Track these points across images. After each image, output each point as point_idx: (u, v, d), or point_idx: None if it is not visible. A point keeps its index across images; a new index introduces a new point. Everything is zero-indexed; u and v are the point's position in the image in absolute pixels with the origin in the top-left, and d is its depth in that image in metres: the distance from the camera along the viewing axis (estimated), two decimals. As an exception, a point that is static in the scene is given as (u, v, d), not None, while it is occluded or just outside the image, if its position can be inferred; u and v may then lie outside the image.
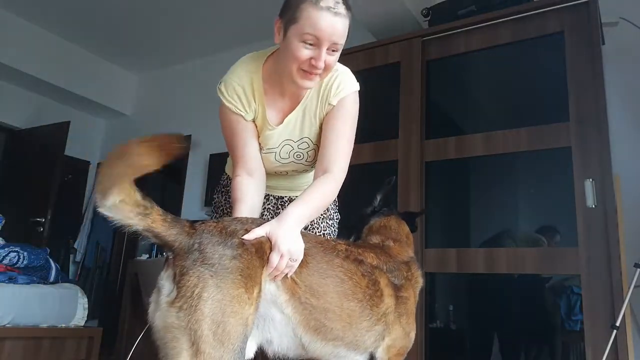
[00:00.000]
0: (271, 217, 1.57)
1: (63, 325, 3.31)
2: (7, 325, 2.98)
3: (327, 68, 1.34)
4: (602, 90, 2.50)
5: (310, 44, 1.28)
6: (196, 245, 1.08)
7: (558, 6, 2.72)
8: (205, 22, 4.67)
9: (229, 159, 1.70)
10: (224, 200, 1.70)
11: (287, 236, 1.17)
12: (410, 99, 3.06)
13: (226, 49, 4.97)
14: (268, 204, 1.65)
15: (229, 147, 1.50)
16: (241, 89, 1.42)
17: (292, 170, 1.60)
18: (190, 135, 5.11)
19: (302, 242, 1.20)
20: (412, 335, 1.35)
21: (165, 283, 1.08)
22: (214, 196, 1.77)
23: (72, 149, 5.39)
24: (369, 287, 1.27)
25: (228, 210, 1.63)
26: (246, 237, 1.14)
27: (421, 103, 3.03)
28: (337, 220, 1.73)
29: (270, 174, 1.57)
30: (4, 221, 3.51)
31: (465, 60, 3.14)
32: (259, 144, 1.49)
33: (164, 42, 5.15)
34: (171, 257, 1.09)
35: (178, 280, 1.04)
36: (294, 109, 1.48)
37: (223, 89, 1.44)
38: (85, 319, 3.47)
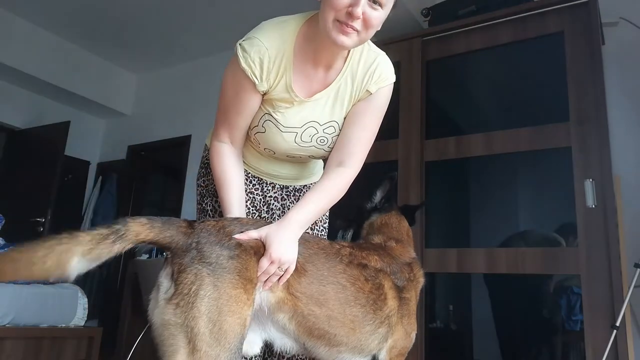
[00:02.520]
0: (279, 207, 1.55)
1: (63, 325, 3.31)
2: (7, 325, 2.98)
3: (366, 24, 1.20)
4: (602, 90, 2.51)
5: None
6: (194, 244, 1.08)
7: (558, 6, 2.72)
8: (205, 22, 4.68)
9: (210, 132, 1.55)
10: (210, 180, 1.52)
11: (282, 243, 1.14)
12: (410, 99, 3.06)
13: (226, 49, 4.96)
14: (273, 192, 1.55)
15: (221, 109, 1.36)
16: (267, 54, 1.26)
17: (309, 156, 1.47)
18: (190, 135, 5.13)
19: (295, 252, 1.17)
20: (413, 335, 1.35)
21: (164, 280, 1.08)
22: (198, 181, 1.60)
23: (72, 149, 5.39)
24: (373, 291, 1.26)
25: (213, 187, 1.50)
26: (238, 236, 1.13)
27: (421, 103, 3.03)
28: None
29: (278, 159, 1.47)
30: (4, 221, 3.50)
31: (465, 60, 3.14)
32: (274, 120, 1.35)
33: (164, 42, 5.15)
34: (170, 256, 1.10)
35: (176, 278, 1.05)
36: (326, 86, 1.35)
37: (247, 47, 1.26)
38: (85, 319, 3.47)
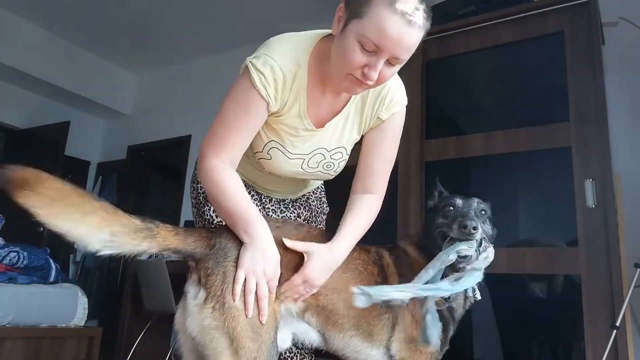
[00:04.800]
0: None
1: (63, 325, 3.31)
2: (7, 325, 2.98)
3: (380, 81, 1.13)
4: (602, 90, 2.50)
5: (368, 51, 1.07)
6: (217, 245, 1.11)
7: (558, 6, 2.72)
8: (205, 22, 4.68)
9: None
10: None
11: (322, 269, 1.16)
12: (410, 99, 3.03)
13: (226, 49, 4.97)
14: (271, 205, 1.54)
15: (224, 128, 1.21)
16: (281, 74, 1.18)
17: (313, 179, 1.46)
18: (190, 135, 5.13)
19: (325, 279, 1.19)
20: None
21: (190, 288, 1.10)
22: (194, 185, 1.53)
23: (72, 149, 5.40)
24: (379, 274, 1.30)
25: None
26: (286, 241, 1.17)
27: (421, 103, 3.03)
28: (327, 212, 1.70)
29: (281, 179, 1.43)
30: (4, 221, 3.51)
31: (465, 60, 3.14)
32: (281, 148, 1.31)
33: (164, 42, 5.15)
34: (194, 264, 1.12)
35: (205, 282, 1.07)
36: (335, 114, 1.29)
37: (260, 67, 1.17)
38: (85, 319, 3.48)
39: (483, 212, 1.35)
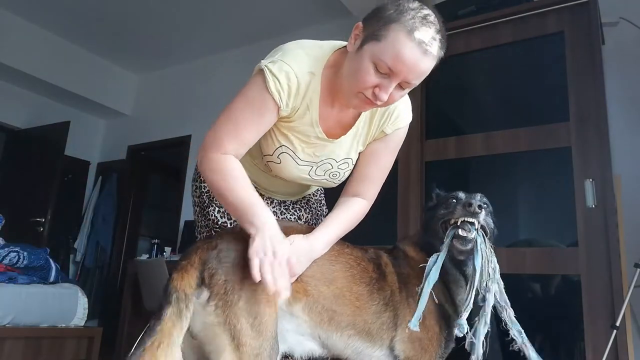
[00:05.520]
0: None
1: (63, 325, 3.31)
2: (7, 325, 2.98)
3: (389, 102, 1.18)
4: (602, 90, 2.50)
5: (382, 73, 1.12)
6: (220, 246, 1.13)
7: (558, 6, 2.72)
8: (205, 22, 4.68)
9: None
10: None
11: (300, 257, 1.18)
12: (411, 99, 3.05)
13: (226, 49, 4.97)
14: (272, 207, 1.54)
15: (232, 123, 1.22)
16: (296, 82, 1.21)
17: (317, 186, 1.49)
18: (190, 135, 5.13)
19: (303, 269, 1.20)
20: (427, 322, 1.26)
21: None
22: (196, 183, 1.52)
23: (72, 149, 5.40)
24: (375, 271, 1.30)
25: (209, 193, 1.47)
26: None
27: (421, 103, 3.03)
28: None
29: (284, 181, 1.44)
30: (4, 221, 3.51)
31: (465, 60, 3.14)
32: (292, 153, 1.33)
33: (164, 42, 5.15)
34: None
35: (208, 282, 1.09)
36: (343, 125, 1.33)
37: (276, 72, 1.19)
38: (85, 319, 3.47)
39: (485, 205, 1.36)
